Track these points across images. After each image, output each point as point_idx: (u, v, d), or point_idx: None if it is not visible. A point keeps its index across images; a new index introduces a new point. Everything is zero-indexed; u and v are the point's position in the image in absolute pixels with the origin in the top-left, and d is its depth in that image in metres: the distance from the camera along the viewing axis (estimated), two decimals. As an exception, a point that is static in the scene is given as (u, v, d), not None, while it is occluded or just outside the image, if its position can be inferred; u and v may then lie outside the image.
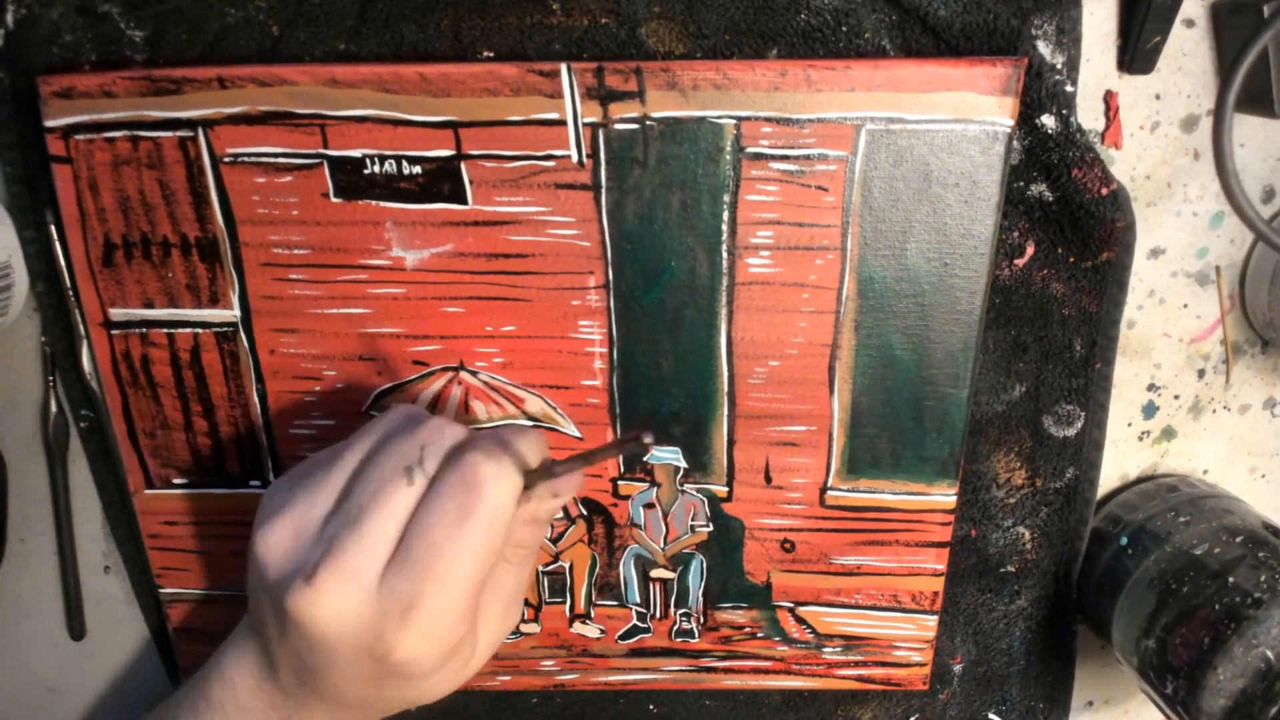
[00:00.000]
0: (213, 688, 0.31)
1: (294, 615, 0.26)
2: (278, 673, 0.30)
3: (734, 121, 0.32)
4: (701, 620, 0.40)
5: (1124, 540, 0.39)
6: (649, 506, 0.38)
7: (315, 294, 0.35)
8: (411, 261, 0.34)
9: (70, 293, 0.36)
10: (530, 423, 0.37)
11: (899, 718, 0.44)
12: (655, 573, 0.40)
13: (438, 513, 0.26)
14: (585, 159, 0.33)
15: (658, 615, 0.41)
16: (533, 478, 0.28)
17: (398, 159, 0.33)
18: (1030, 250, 0.35)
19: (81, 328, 0.36)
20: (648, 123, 0.32)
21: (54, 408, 0.38)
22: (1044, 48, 0.32)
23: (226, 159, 0.33)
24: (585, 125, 0.32)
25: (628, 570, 0.40)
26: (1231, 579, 0.34)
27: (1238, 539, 0.36)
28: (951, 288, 0.34)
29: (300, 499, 0.28)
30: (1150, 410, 0.40)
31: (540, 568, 0.40)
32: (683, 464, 0.37)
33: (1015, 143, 0.33)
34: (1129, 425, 0.40)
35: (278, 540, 0.27)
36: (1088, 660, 0.43)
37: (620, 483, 0.38)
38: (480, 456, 0.27)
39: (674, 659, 0.41)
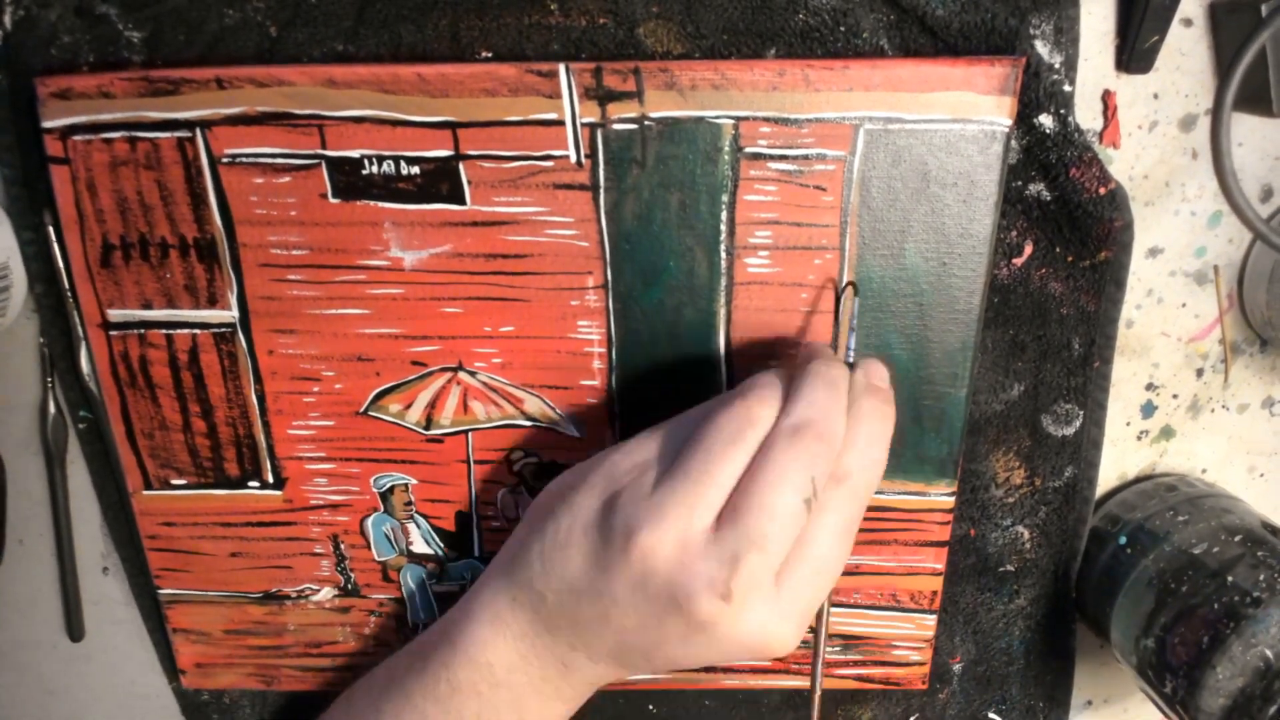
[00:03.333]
0: (458, 671, 0.31)
1: (709, 626, 0.28)
2: (575, 650, 0.31)
3: (732, 121, 0.32)
4: (701, 620, 0.40)
5: (1123, 539, 0.39)
6: (648, 506, 0.38)
7: (314, 294, 0.35)
8: (410, 262, 0.34)
9: (68, 294, 0.36)
10: (529, 423, 0.37)
11: (898, 717, 0.44)
12: (654, 573, 0.40)
13: (834, 543, 0.28)
14: (583, 159, 0.33)
15: (657, 615, 0.40)
16: None
17: (396, 159, 0.33)
18: (1028, 250, 0.35)
19: (80, 329, 0.36)
20: (646, 123, 0.32)
21: (52, 409, 0.38)
22: (1042, 47, 0.32)
23: (225, 160, 0.33)
24: (583, 125, 0.32)
25: (627, 570, 0.40)
26: (1230, 578, 0.34)
27: (1236, 538, 0.36)
28: (950, 287, 0.34)
29: (678, 507, 0.28)
30: (1149, 409, 0.40)
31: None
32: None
33: (1013, 142, 0.33)
34: (1128, 424, 0.40)
35: (665, 551, 0.28)
36: (1087, 659, 0.43)
37: (619, 483, 0.38)
38: (856, 497, 0.29)
39: (673, 659, 0.41)
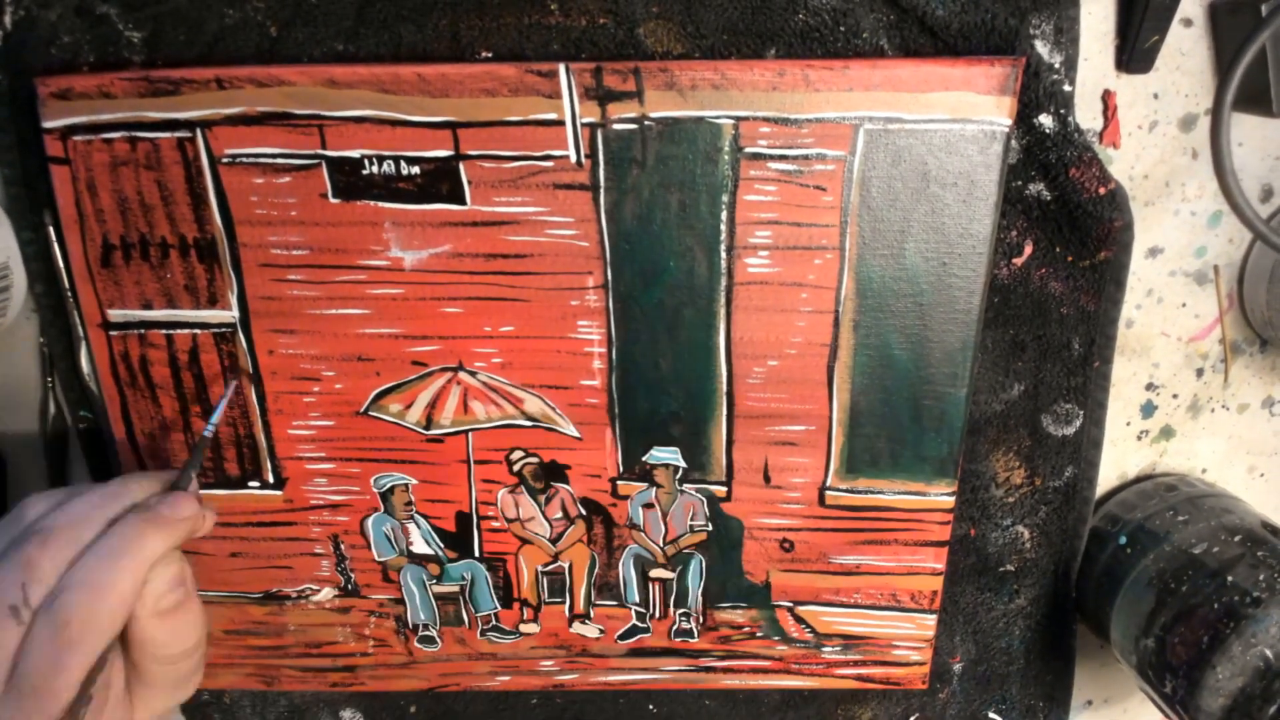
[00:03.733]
0: None
1: None
2: None
3: (732, 121, 0.32)
4: (701, 620, 0.40)
5: (1123, 539, 0.39)
6: (648, 506, 0.38)
7: (314, 294, 0.35)
8: (410, 262, 0.34)
9: (69, 294, 0.36)
10: (529, 423, 0.37)
11: (899, 717, 0.44)
12: (654, 573, 0.40)
13: (39, 654, 0.27)
14: (584, 159, 0.33)
15: (657, 615, 0.41)
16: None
17: (396, 159, 0.33)
18: (1028, 249, 0.35)
19: (80, 329, 0.36)
20: (646, 123, 0.32)
21: (53, 408, 0.38)
22: (1042, 47, 0.32)
23: (225, 160, 0.33)
24: (583, 125, 0.32)
25: (627, 570, 0.40)
26: (1230, 578, 0.34)
27: (1236, 538, 0.36)
28: (950, 287, 0.34)
29: None
30: (1149, 409, 0.40)
31: (539, 567, 0.40)
32: (682, 464, 0.37)
33: (1013, 142, 0.33)
34: (1128, 424, 0.40)
35: None
36: (1087, 659, 0.43)
37: (619, 483, 0.38)
38: (72, 608, 0.28)
39: (673, 659, 0.41)
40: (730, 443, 0.37)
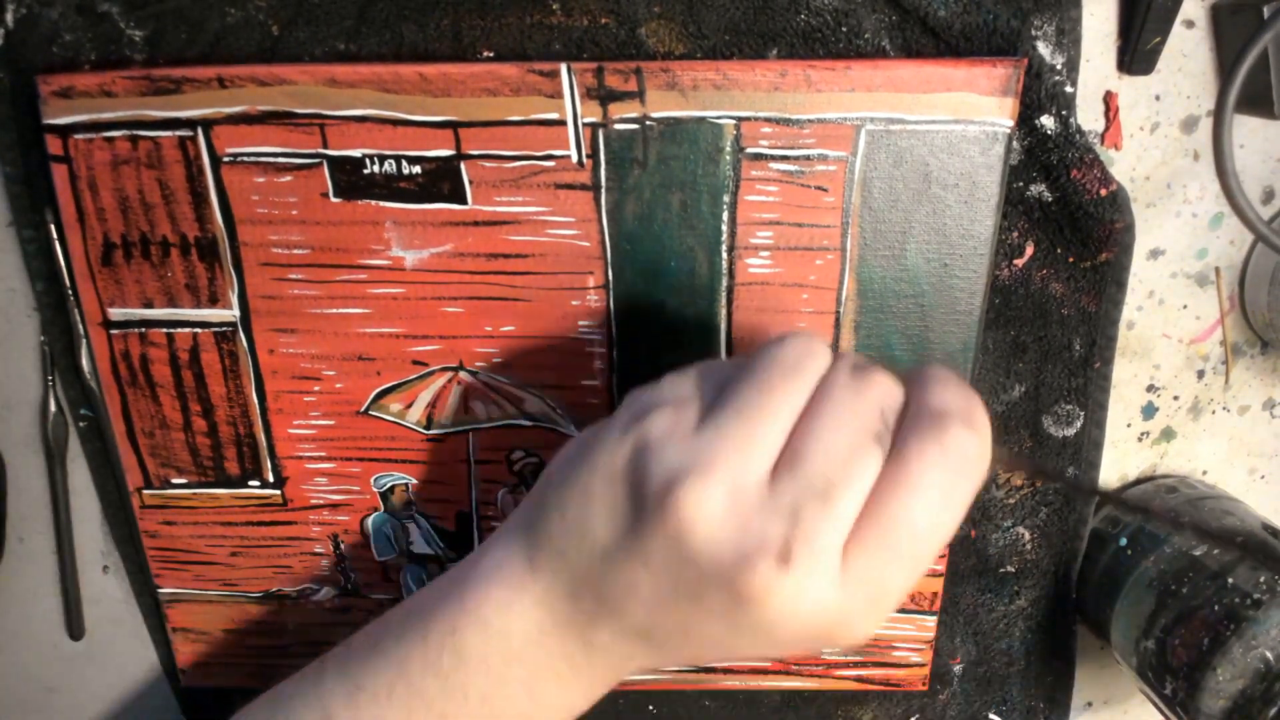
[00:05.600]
0: (467, 637, 0.26)
1: (760, 599, 0.22)
2: (597, 626, 0.25)
3: (734, 122, 0.32)
4: (701, 620, 0.40)
5: (1123, 541, 0.39)
6: (648, 507, 0.38)
7: (315, 294, 0.35)
8: (411, 261, 0.34)
9: (69, 292, 0.36)
10: (530, 423, 0.37)
11: (899, 718, 0.44)
12: (654, 573, 0.40)
13: (921, 491, 0.22)
14: (585, 159, 0.33)
15: (657, 615, 0.40)
16: (1000, 459, 0.25)
17: (397, 159, 0.33)
18: (1030, 251, 0.35)
19: (81, 327, 0.36)
20: (647, 123, 0.32)
21: (53, 407, 0.38)
22: (1044, 48, 0.32)
23: (226, 159, 0.33)
24: (585, 125, 0.32)
25: (627, 570, 0.40)
26: (1231, 580, 0.34)
27: (1237, 540, 0.36)
28: (951, 288, 0.34)
29: (728, 451, 0.23)
30: (1150, 411, 0.40)
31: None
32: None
33: (1015, 143, 0.33)
34: (1128, 426, 0.40)
35: (712, 505, 0.22)
36: (1087, 661, 0.43)
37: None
38: (966, 432, 0.23)
39: (673, 659, 0.41)
40: (731, 443, 0.37)
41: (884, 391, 0.24)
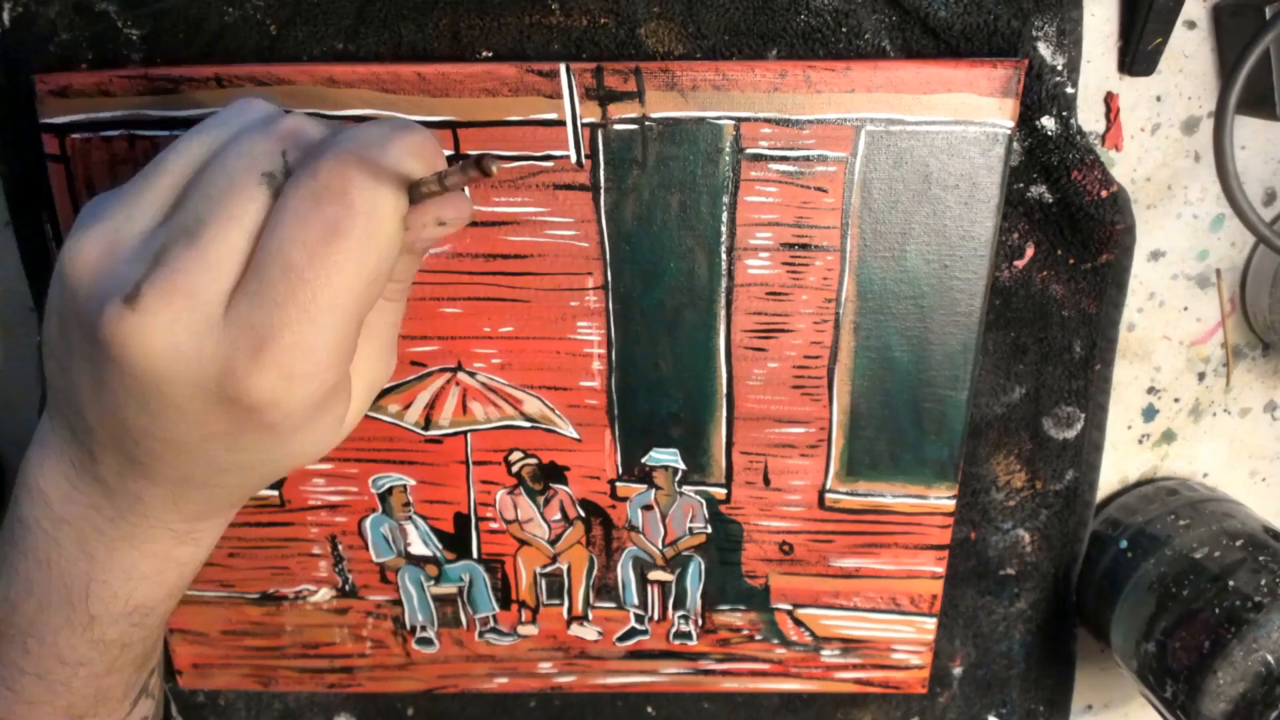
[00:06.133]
0: (21, 505, 0.25)
1: (113, 345, 0.21)
2: (97, 460, 0.24)
3: (733, 122, 0.32)
4: (700, 622, 0.40)
5: (1124, 543, 0.38)
6: (647, 508, 0.38)
7: (313, 294, 0.35)
8: (409, 262, 0.34)
9: (67, 292, 0.36)
10: (528, 424, 0.37)
11: (898, 721, 0.43)
12: (653, 575, 0.39)
13: (297, 227, 0.21)
14: (584, 159, 0.32)
15: (656, 617, 0.40)
16: (418, 192, 0.22)
17: (396, 159, 0.33)
18: (1030, 252, 0.35)
19: (78, 327, 0.36)
20: (647, 123, 0.32)
21: (50, 408, 0.38)
22: (1044, 49, 0.32)
23: (224, 158, 0.33)
24: (584, 126, 0.32)
25: (625, 572, 0.40)
26: (1231, 583, 0.34)
27: (1238, 542, 0.36)
28: (951, 289, 0.34)
29: (116, 210, 0.22)
30: (1150, 413, 0.39)
31: (538, 569, 0.39)
32: (681, 465, 0.37)
33: (1015, 144, 0.33)
34: (1129, 428, 0.40)
35: (87, 256, 0.21)
36: (1087, 663, 0.43)
37: (618, 484, 0.38)
38: (351, 159, 0.21)
39: (672, 661, 0.41)
40: (730, 445, 0.37)
41: (291, 132, 0.22)
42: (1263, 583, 0.33)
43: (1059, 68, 0.32)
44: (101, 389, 0.22)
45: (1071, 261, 0.35)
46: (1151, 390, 0.39)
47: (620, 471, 0.37)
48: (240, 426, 0.23)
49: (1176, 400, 0.39)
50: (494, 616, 0.40)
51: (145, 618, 0.28)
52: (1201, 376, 0.39)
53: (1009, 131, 0.32)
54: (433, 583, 0.40)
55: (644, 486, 0.38)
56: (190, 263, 0.21)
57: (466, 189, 0.24)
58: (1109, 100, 0.34)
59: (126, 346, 0.21)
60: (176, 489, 0.25)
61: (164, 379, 0.21)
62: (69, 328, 0.23)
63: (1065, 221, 0.34)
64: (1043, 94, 0.32)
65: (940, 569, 0.39)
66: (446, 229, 0.24)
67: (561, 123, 0.32)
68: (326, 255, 0.21)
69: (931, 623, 0.40)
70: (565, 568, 0.39)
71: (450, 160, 0.26)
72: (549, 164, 0.33)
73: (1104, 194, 0.33)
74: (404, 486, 0.38)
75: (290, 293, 0.21)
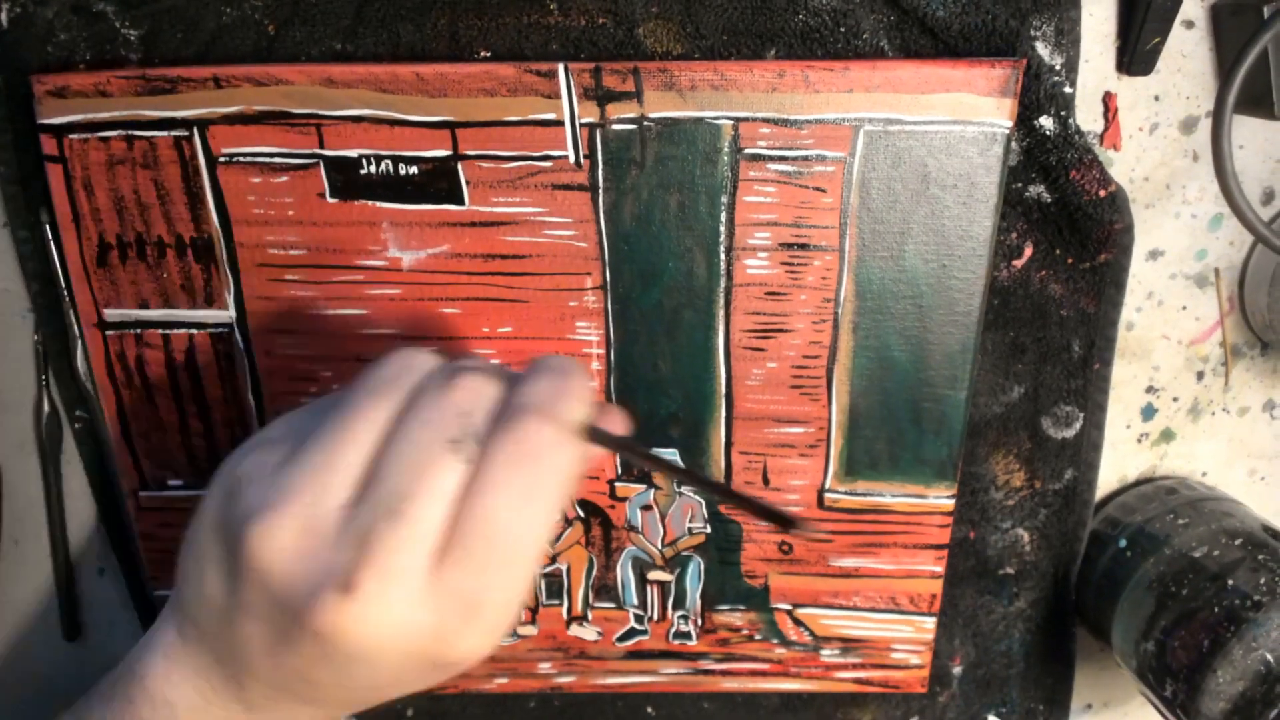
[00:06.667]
0: (141, 710, 0.25)
1: (330, 633, 0.21)
2: (246, 689, 0.25)
3: (732, 122, 0.32)
4: (699, 622, 0.40)
5: (1123, 542, 0.38)
6: (646, 508, 0.38)
7: (311, 295, 0.35)
8: (408, 262, 0.34)
9: (64, 293, 0.35)
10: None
11: (897, 720, 0.43)
12: (653, 575, 0.39)
13: (500, 494, 0.21)
14: (582, 160, 0.32)
15: (655, 617, 0.40)
16: (593, 439, 0.24)
17: (394, 159, 0.33)
18: (1028, 251, 0.35)
19: (76, 328, 0.36)
20: (645, 123, 0.32)
21: (47, 408, 0.38)
22: (1043, 49, 0.32)
23: (222, 159, 0.33)
24: (582, 126, 0.32)
25: (625, 572, 0.39)
26: (1231, 582, 0.34)
27: (1237, 541, 0.36)
28: (950, 289, 0.34)
29: (303, 483, 0.22)
30: (1149, 412, 0.40)
31: (537, 569, 0.39)
32: (681, 465, 0.37)
33: (1014, 144, 0.33)
34: (1128, 427, 0.40)
35: (285, 540, 0.21)
36: (1087, 663, 0.43)
37: (617, 484, 0.38)
38: (537, 423, 0.22)
39: (672, 661, 0.41)
40: (729, 444, 0.37)
41: (468, 394, 0.23)
42: (1262, 581, 0.33)
43: (1057, 67, 0.32)
44: (288, 653, 0.23)
45: (1070, 261, 0.35)
46: (1150, 389, 0.39)
47: (619, 471, 0.37)
48: (431, 674, 0.23)
49: (1175, 399, 0.39)
50: (493, 617, 0.40)
51: None
52: (1200, 376, 0.39)
53: (1007, 131, 0.32)
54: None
55: (643, 486, 0.38)
56: (400, 542, 0.21)
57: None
58: (1107, 100, 0.34)
59: (346, 633, 0.21)
60: (319, 709, 0.25)
61: (375, 654, 0.22)
62: (263, 603, 0.22)
63: (1064, 221, 0.34)
64: (1041, 94, 0.32)
65: (939, 568, 0.39)
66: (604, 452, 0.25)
67: (560, 123, 0.32)
68: (530, 516, 0.22)
69: (931, 622, 0.40)
70: (564, 568, 0.39)
71: None
72: (547, 164, 0.32)
73: (1102, 193, 0.33)
74: (403, 487, 0.38)
75: (496, 556, 0.22)
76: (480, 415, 0.23)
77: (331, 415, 0.23)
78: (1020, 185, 0.34)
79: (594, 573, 0.40)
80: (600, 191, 0.33)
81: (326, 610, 0.21)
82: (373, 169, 0.33)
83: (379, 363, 0.24)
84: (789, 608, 0.40)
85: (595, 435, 0.24)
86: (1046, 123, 0.33)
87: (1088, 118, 0.34)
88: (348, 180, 0.33)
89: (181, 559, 0.25)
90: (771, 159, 0.32)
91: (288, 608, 0.22)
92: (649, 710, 0.43)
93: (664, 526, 0.38)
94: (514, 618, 0.23)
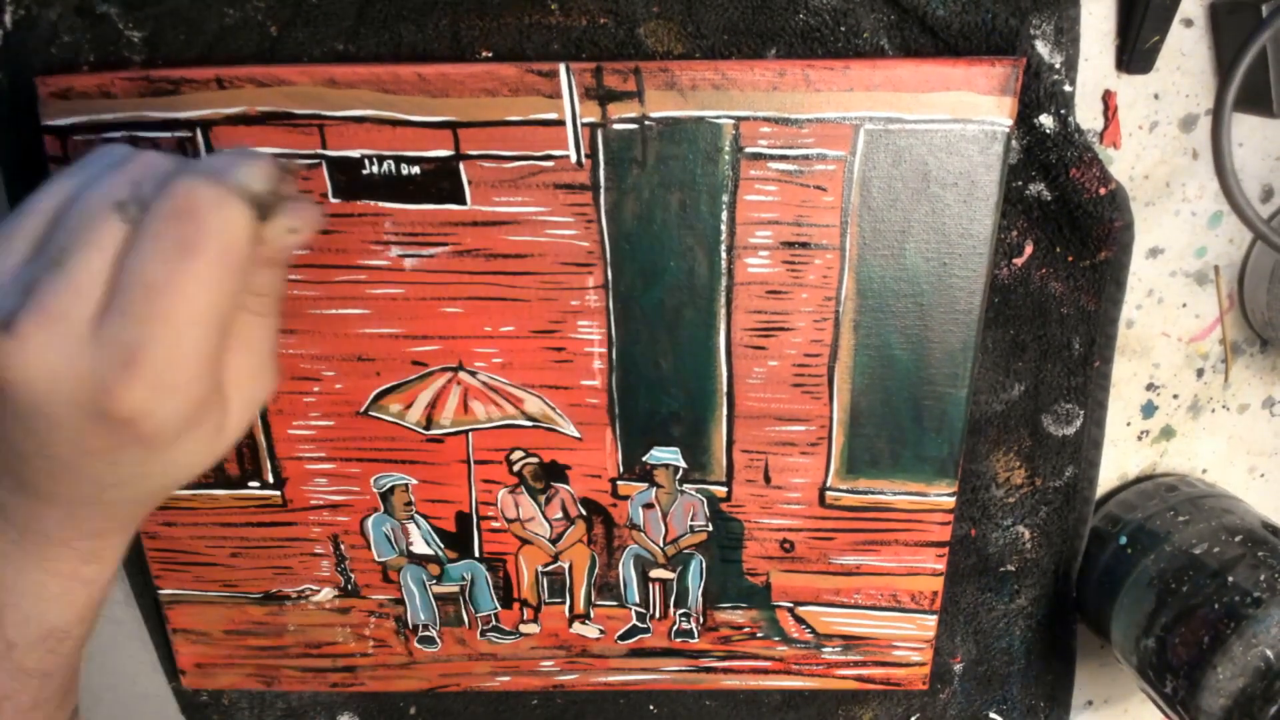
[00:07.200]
0: None
1: None
2: None
3: (733, 121, 0.32)
4: (701, 620, 0.40)
5: (1123, 539, 0.39)
6: (648, 507, 0.38)
7: (314, 294, 0.35)
8: (410, 262, 0.34)
9: (69, 293, 0.36)
10: (529, 423, 0.37)
11: (899, 717, 0.44)
12: (655, 573, 0.40)
13: (153, 247, 0.23)
14: (584, 159, 0.33)
15: (657, 615, 0.40)
16: (264, 207, 0.25)
17: (396, 159, 0.33)
18: (1029, 249, 0.35)
19: (80, 328, 0.36)
20: (646, 123, 0.32)
21: (52, 409, 0.38)
22: (1042, 47, 0.32)
23: (225, 159, 0.33)
24: (584, 125, 0.32)
25: (627, 570, 0.40)
26: (1231, 578, 0.34)
27: (1237, 538, 0.36)
28: (950, 287, 0.34)
29: None
30: (1149, 409, 0.40)
31: (540, 568, 0.40)
32: (682, 464, 0.37)
33: (1014, 142, 0.33)
34: (1128, 424, 0.40)
35: None
36: (1087, 659, 0.43)
37: (619, 483, 0.38)
38: (197, 180, 0.23)
39: (674, 659, 0.41)
40: (730, 443, 0.37)
41: (143, 166, 0.24)
42: (1262, 578, 0.33)
43: (1057, 66, 0.32)
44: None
45: (1070, 259, 0.35)
46: (1150, 387, 0.39)
47: (621, 470, 0.38)
48: (118, 441, 0.24)
49: (1175, 397, 0.39)
50: (496, 615, 0.41)
51: (60, 643, 0.28)
52: (1200, 373, 0.39)
53: (1007, 129, 0.32)
54: (435, 582, 0.40)
55: (645, 485, 0.38)
56: (58, 289, 0.23)
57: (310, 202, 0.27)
58: (1107, 98, 0.34)
59: (7, 370, 0.23)
60: (71, 508, 0.26)
61: (42, 399, 0.23)
62: None
63: (1064, 219, 0.34)
64: (1041, 92, 0.32)
65: (941, 566, 0.39)
66: (298, 235, 0.26)
67: (561, 122, 0.32)
68: (184, 269, 0.23)
69: (932, 619, 0.40)
70: (567, 566, 0.40)
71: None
72: (549, 164, 0.33)
73: (1102, 191, 0.33)
74: (405, 486, 0.38)
75: (152, 308, 0.23)
76: (151, 185, 0.24)
77: (33, 194, 0.25)
78: (1020, 183, 0.34)
79: (596, 571, 0.40)
80: (602, 191, 0.33)
81: None
82: (375, 169, 0.33)
83: (84, 156, 0.26)
84: (790, 605, 0.40)
85: (260, 204, 0.24)
86: (1046, 121, 0.33)
87: (1087, 116, 0.34)
88: (350, 180, 0.33)
89: None
90: (772, 158, 0.32)
91: None
92: (651, 708, 0.44)
93: (666, 525, 0.39)
94: (188, 376, 0.24)
